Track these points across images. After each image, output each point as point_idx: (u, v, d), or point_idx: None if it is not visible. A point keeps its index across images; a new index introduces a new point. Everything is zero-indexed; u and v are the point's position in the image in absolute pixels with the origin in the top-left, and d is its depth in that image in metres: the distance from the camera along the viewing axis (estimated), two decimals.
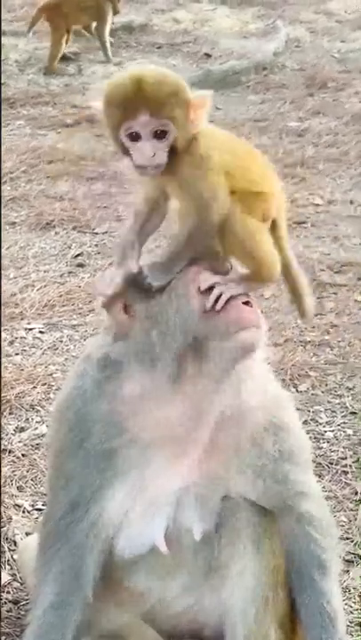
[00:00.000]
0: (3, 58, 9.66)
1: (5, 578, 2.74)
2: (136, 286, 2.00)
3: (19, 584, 2.71)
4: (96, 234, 5.65)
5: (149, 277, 1.98)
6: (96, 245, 5.48)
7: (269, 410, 2.12)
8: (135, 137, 1.86)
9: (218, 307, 1.96)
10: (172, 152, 1.90)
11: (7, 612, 2.60)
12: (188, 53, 10.24)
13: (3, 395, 3.73)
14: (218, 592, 2.16)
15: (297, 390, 3.84)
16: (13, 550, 2.83)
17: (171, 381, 2.00)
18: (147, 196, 2.04)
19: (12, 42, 10.05)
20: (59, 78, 9.37)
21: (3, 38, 9.85)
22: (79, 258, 5.32)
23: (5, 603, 2.64)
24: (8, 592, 2.69)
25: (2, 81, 9.01)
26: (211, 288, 1.98)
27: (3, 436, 3.52)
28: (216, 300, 1.97)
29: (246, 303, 1.98)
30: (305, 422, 3.55)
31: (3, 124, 8.14)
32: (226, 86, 9.01)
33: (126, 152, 1.92)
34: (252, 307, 1.99)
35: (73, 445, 2.10)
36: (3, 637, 2.51)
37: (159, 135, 1.86)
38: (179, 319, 1.98)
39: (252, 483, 2.11)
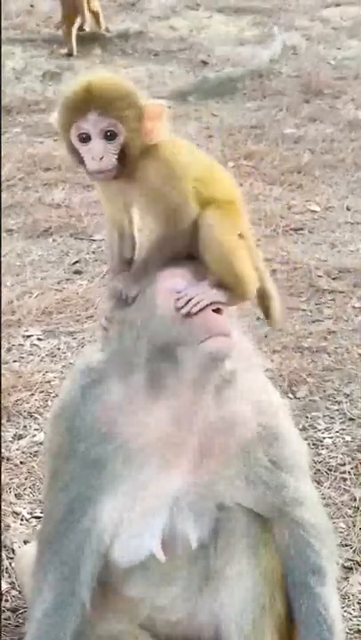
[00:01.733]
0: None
1: (4, 586, 2.73)
2: (116, 297, 2.03)
3: (17, 592, 2.70)
4: (94, 240, 5.65)
5: (123, 288, 1.99)
6: (93, 252, 5.48)
7: (262, 418, 2.10)
8: (85, 139, 1.89)
9: (185, 311, 1.94)
10: (127, 159, 1.90)
11: (5, 619, 2.59)
12: (184, 60, 10.26)
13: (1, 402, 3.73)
14: (214, 599, 2.16)
15: (295, 397, 3.84)
16: (11, 558, 2.82)
17: (148, 387, 2.00)
18: (113, 220, 2.06)
19: (8, 49, 10.07)
20: (55, 85, 9.39)
21: None
22: (77, 265, 5.32)
23: (4, 611, 2.63)
24: (6, 600, 2.68)
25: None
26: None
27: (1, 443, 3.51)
28: (186, 304, 1.95)
29: (217, 311, 1.96)
30: (303, 429, 3.54)
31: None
32: (222, 93, 9.03)
33: (80, 160, 1.93)
34: (221, 314, 1.98)
35: (65, 453, 2.10)
36: None
37: (109, 136, 1.88)
38: (149, 324, 1.98)
39: (246, 490, 2.10)
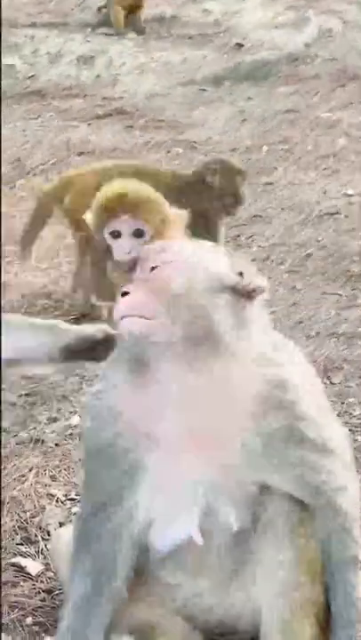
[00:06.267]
0: (32, 50, 9.68)
1: (39, 568, 2.75)
2: None
3: (52, 574, 2.71)
4: None
5: None
6: None
7: (271, 393, 2.07)
8: (117, 235, 2.22)
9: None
10: None
11: (41, 601, 2.61)
12: (218, 44, 10.19)
13: (35, 385, 3.76)
14: (251, 585, 2.16)
15: (330, 382, 3.81)
16: (47, 540, 2.84)
17: (131, 374, 2.06)
18: None
19: (43, 34, 10.06)
20: (89, 70, 9.38)
21: (34, 30, 9.87)
22: None
23: (39, 592, 2.65)
24: (41, 581, 2.70)
25: (29, 74, 9.03)
26: None
27: (34, 425, 3.54)
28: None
29: (125, 294, 2.00)
30: (338, 414, 3.51)
31: (33, 116, 8.17)
32: (257, 77, 8.97)
33: (109, 254, 2.23)
34: (131, 296, 2.00)
35: (97, 445, 2.14)
36: (37, 627, 2.52)
37: (137, 234, 2.21)
38: None
39: (278, 474, 2.09)
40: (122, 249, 2.20)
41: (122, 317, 1.98)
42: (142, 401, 2.06)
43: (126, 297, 1.99)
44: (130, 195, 2.23)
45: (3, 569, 2.71)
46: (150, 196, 2.27)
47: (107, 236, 2.23)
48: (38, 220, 4.67)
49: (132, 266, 2.10)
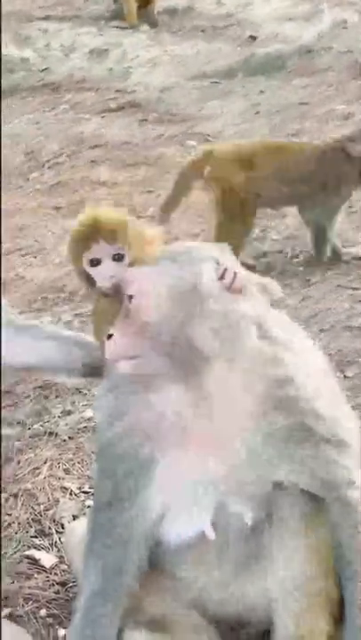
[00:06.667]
0: (45, 43, 9.68)
1: (53, 560, 2.76)
2: None
3: (66, 566, 2.72)
4: (140, 218, 5.64)
5: None
6: None
7: (275, 396, 2.05)
8: (96, 263, 2.18)
9: None
10: None
11: (55, 593, 2.62)
12: (232, 37, 10.16)
13: (49, 379, 3.76)
14: (265, 579, 2.15)
15: (344, 376, 3.80)
16: (61, 533, 2.85)
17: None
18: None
19: (56, 27, 10.07)
20: (102, 63, 9.37)
21: (47, 23, 9.87)
22: None
23: (53, 584, 2.66)
24: (55, 574, 2.71)
25: (43, 67, 9.04)
26: None
27: (48, 418, 3.55)
28: None
29: (109, 336, 2.03)
30: (352, 408, 3.50)
31: (46, 109, 8.18)
32: (270, 70, 8.94)
33: (91, 283, 2.21)
34: (117, 338, 2.02)
35: (108, 439, 2.14)
36: (51, 619, 2.53)
37: (117, 258, 2.18)
38: None
39: (289, 467, 2.08)
40: (103, 275, 2.18)
41: (112, 361, 2.03)
42: (146, 403, 2.07)
43: (112, 339, 2.02)
44: (103, 221, 2.20)
45: (17, 561, 2.72)
46: (123, 218, 2.25)
47: (86, 266, 2.21)
48: (180, 188, 4.91)
49: (117, 289, 2.13)
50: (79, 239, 2.21)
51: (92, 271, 2.19)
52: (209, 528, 2.09)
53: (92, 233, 2.19)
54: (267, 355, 2.06)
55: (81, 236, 2.21)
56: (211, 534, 2.09)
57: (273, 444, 2.05)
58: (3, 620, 2.49)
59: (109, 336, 2.03)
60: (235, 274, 2.03)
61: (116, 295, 2.13)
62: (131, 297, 2.03)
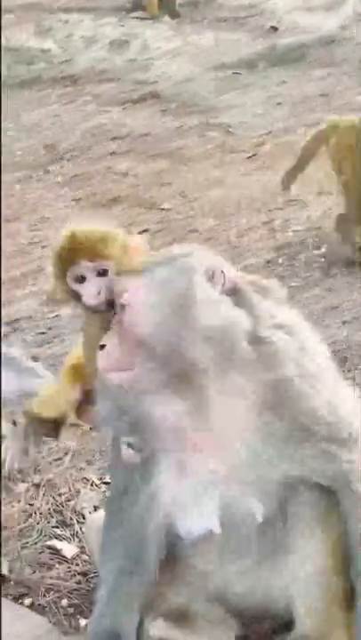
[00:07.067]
0: (66, 34, 9.69)
1: (74, 550, 2.77)
2: None
3: (87, 557, 2.73)
4: (161, 210, 5.64)
5: None
6: (160, 222, 5.47)
7: (274, 397, 2.04)
8: (81, 279, 2.17)
9: None
10: None
11: (76, 583, 2.63)
12: (253, 27, 10.12)
13: None
14: (282, 572, 2.15)
15: None
16: (82, 523, 2.86)
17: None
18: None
19: (77, 18, 10.06)
20: (123, 54, 9.36)
21: (68, 15, 9.87)
22: (143, 234, 5.32)
23: (74, 575, 2.67)
24: (77, 564, 2.72)
25: (64, 59, 9.04)
26: None
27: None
28: None
29: (102, 347, 2.03)
30: None
31: (67, 101, 8.19)
32: (291, 61, 8.90)
33: (77, 297, 2.19)
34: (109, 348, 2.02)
35: (115, 431, 2.16)
36: (72, 609, 2.55)
37: (101, 273, 2.17)
38: None
39: (299, 462, 2.08)
40: (89, 292, 2.17)
41: (105, 372, 2.01)
42: (143, 408, 2.05)
43: (104, 350, 2.01)
44: (81, 238, 2.19)
45: (38, 551, 2.74)
46: (102, 232, 2.23)
47: (72, 283, 2.20)
48: (304, 158, 5.12)
49: (107, 303, 2.13)
50: (61, 259, 2.20)
51: (80, 289, 2.18)
52: (216, 524, 2.10)
53: (73, 252, 2.18)
54: (262, 357, 2.04)
55: (62, 257, 2.20)
56: (217, 529, 2.10)
57: (273, 444, 2.05)
58: (24, 609, 2.51)
59: (102, 347, 2.02)
60: (224, 275, 2.02)
61: (106, 310, 2.13)
62: (123, 306, 2.03)
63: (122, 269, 2.16)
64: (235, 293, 2.04)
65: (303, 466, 2.07)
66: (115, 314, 2.06)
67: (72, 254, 2.18)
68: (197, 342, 1.97)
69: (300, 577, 2.12)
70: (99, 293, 2.16)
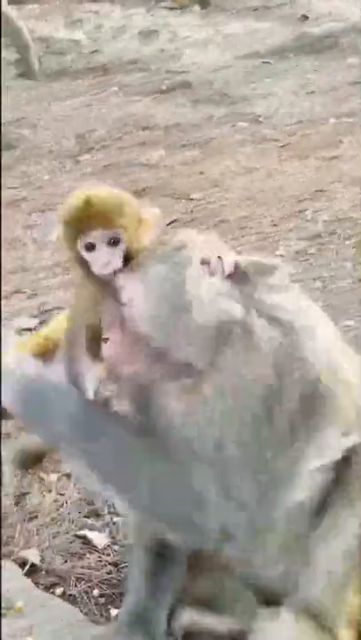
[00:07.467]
0: (96, 25, 9.68)
1: (105, 540, 2.77)
2: None
3: (118, 547, 2.73)
4: (191, 200, 5.62)
5: None
6: (191, 212, 5.45)
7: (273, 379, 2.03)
8: (91, 247, 2.09)
9: None
10: (129, 259, 2.09)
11: (107, 573, 2.63)
12: (283, 16, 10.05)
13: None
14: (309, 557, 2.14)
15: None
16: (113, 513, 2.86)
17: None
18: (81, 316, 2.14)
19: (106, 9, 10.05)
20: (152, 44, 9.35)
21: (98, 5, 9.86)
22: (173, 224, 5.31)
23: (105, 565, 2.67)
24: (107, 554, 2.72)
25: (93, 49, 9.03)
26: None
27: None
28: None
29: (105, 339, 2.04)
30: None
31: (97, 91, 8.19)
32: (322, 49, 8.83)
33: (86, 268, 2.11)
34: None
35: None
36: (103, 599, 2.55)
37: (113, 243, 2.09)
38: None
39: (319, 446, 2.06)
40: (100, 261, 2.09)
41: (110, 364, 2.02)
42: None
43: (108, 343, 2.02)
44: (96, 205, 2.09)
45: (69, 541, 2.74)
46: (118, 200, 2.13)
47: (82, 251, 2.11)
48: None
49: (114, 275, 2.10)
50: (73, 224, 2.11)
51: (89, 257, 2.10)
52: None
53: (87, 218, 2.08)
54: (260, 352, 2.01)
55: (75, 222, 2.10)
56: None
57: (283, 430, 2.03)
58: (56, 599, 2.52)
59: (105, 339, 2.02)
60: (221, 261, 2.01)
61: (111, 282, 2.09)
62: (123, 304, 2.03)
63: (132, 242, 2.09)
64: (236, 276, 2.02)
65: (324, 451, 2.05)
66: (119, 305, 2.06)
67: (86, 220, 2.08)
68: (194, 346, 1.98)
69: (325, 562, 2.10)
70: (107, 264, 2.08)
